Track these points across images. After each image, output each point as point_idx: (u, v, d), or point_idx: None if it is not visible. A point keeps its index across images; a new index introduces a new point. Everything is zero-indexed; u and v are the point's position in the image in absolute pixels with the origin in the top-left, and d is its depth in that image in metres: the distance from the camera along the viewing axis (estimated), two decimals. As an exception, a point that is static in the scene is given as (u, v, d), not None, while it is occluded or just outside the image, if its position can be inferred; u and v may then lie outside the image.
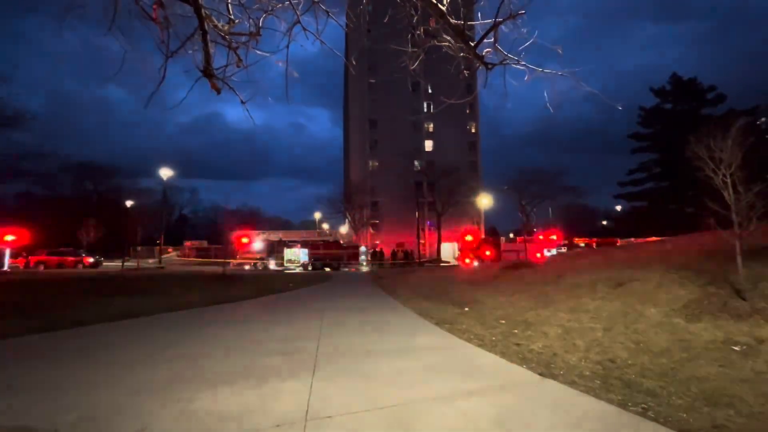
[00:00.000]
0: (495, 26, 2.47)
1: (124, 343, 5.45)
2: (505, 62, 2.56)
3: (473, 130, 57.06)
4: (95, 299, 9.89)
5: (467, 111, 55.27)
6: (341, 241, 40.38)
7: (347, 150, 64.73)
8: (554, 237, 29.35)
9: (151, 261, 41.06)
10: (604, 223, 64.79)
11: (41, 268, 29.94)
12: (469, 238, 33.73)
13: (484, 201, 42.61)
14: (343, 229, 53.25)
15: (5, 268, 27.12)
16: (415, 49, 2.93)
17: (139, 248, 47.10)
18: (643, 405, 3.10)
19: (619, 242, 35.71)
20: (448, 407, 3.11)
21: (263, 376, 3.90)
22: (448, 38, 2.69)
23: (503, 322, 6.62)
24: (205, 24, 2.26)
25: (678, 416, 2.88)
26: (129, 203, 43.05)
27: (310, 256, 33.99)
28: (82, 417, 2.93)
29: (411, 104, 55.06)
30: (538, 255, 21.82)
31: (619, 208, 57.39)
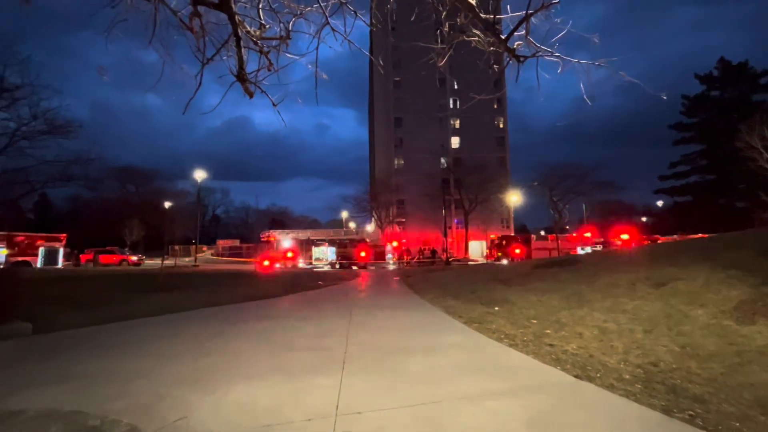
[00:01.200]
0: (527, 18, 2.40)
1: (166, 337, 5.76)
2: (537, 54, 2.47)
3: (501, 125, 55.70)
4: (139, 295, 10.51)
5: (495, 106, 54.00)
6: (367, 240, 40.66)
7: (372, 149, 65.01)
8: (588, 234, 28.14)
9: (187, 259, 43.07)
10: (644, 219, 61.41)
11: (90, 265, 32.11)
12: (498, 236, 33.00)
13: (513, 198, 41.53)
14: (370, 227, 53.59)
15: (59, 265, 29.33)
16: (443, 45, 2.89)
17: (176, 247, 49.55)
18: (689, 412, 2.91)
19: (661, 239, 33.74)
20: (478, 407, 3.07)
21: (294, 371, 4.01)
22: (478, 32, 2.64)
23: (535, 321, 6.44)
24: (239, 30, 2.34)
25: (729, 425, 2.69)
26: (167, 204, 45.29)
27: (338, 254, 34.44)
28: (129, 404, 3.12)
29: (437, 101, 54.52)
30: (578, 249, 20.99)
31: (660, 203, 54.17)
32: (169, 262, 37.53)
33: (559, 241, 30.78)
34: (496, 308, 7.89)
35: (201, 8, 2.36)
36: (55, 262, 29.43)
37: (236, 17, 2.28)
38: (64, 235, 31.94)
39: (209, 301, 9.71)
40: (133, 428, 2.64)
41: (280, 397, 3.30)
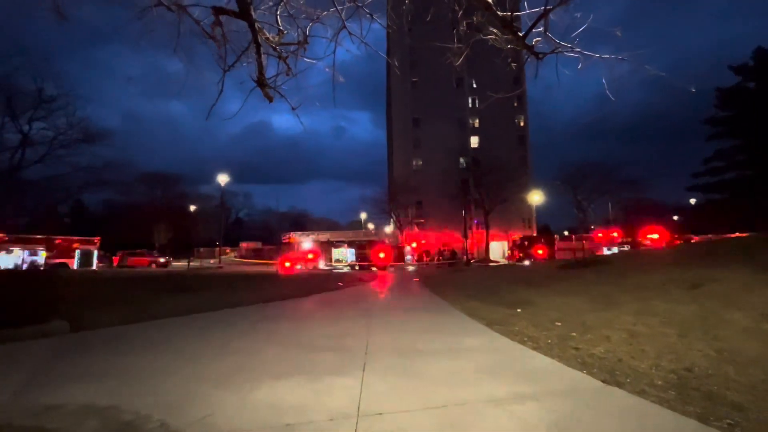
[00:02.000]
0: (545, 14, 2.35)
1: (191, 337, 5.95)
2: (557, 50, 2.41)
3: (522, 124, 54.66)
4: (167, 295, 10.90)
5: (515, 104, 53.03)
6: (386, 241, 40.69)
7: (390, 150, 65.10)
8: (615, 234, 27.14)
9: (211, 261, 44.36)
10: (675, 218, 58.69)
11: (122, 267, 33.59)
12: (519, 236, 32.31)
13: (535, 197, 40.61)
14: (388, 229, 53.63)
15: (94, 267, 30.83)
16: (460, 45, 2.87)
17: (201, 249, 51.11)
18: (728, 420, 2.76)
19: (695, 239, 32.16)
20: (502, 411, 3.01)
21: (316, 371, 4.06)
22: (495, 30, 2.60)
23: (559, 324, 6.27)
24: (258, 37, 2.41)
25: (773, 435, 2.54)
26: (192, 208, 46.84)
27: (357, 255, 34.63)
28: (158, 401, 3.25)
29: (455, 100, 54.04)
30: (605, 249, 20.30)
31: (693, 201, 51.69)
32: (194, 263, 38.81)
33: (584, 242, 29.85)
34: (519, 310, 7.73)
35: (222, 17, 2.44)
36: (90, 264, 30.98)
37: (256, 25, 2.34)
38: (98, 238, 33.59)
39: (233, 301, 9.96)
40: (164, 424, 2.74)
41: (303, 397, 3.34)
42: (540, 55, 2.47)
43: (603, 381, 3.67)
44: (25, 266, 22.38)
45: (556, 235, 38.20)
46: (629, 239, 31.48)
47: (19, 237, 29.77)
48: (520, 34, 2.51)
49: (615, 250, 27.02)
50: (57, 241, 30.22)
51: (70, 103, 27.26)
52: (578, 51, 2.38)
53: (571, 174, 43.27)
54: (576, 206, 43.93)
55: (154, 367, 4.29)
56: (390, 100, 61.79)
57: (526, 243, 33.14)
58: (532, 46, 2.49)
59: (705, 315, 5.38)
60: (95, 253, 31.88)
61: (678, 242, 28.19)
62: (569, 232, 49.44)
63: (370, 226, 58.79)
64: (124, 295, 10.74)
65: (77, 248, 31.18)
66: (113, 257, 36.01)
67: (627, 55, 2.39)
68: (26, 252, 27.69)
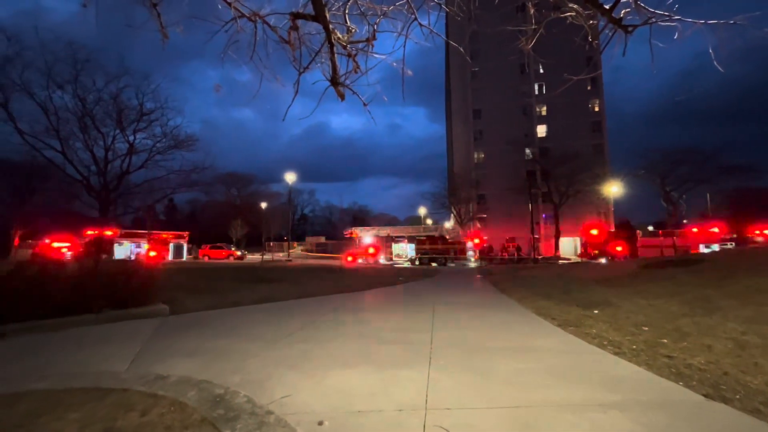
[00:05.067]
0: (637, -21, 2.09)
1: (267, 323, 6.45)
2: (650, 21, 2.12)
3: (596, 109, 49.87)
4: (244, 285, 11.96)
5: (588, 88, 48.55)
6: (447, 236, 40.05)
7: (450, 144, 63.68)
8: (716, 229, 23.58)
9: (281, 255, 47.62)
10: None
11: (206, 259, 37.63)
12: (595, 231, 29.59)
13: (613, 189, 36.87)
14: (448, 224, 52.69)
15: (184, 258, 35.02)
16: (535, 26, 2.68)
17: (271, 243, 55.11)
18: None
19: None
20: (580, 418, 2.80)
21: (381, 363, 4.15)
22: (574, 6, 2.39)
23: (646, 328, 5.63)
24: (332, 37, 2.50)
25: None
26: (263, 205, 50.70)
27: (417, 251, 34.62)
28: (243, 379, 3.58)
29: (519, 88, 51.09)
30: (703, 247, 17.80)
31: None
32: (267, 257, 42.00)
33: (675, 238, 26.42)
34: (596, 311, 7.11)
35: (298, 21, 2.58)
36: (181, 256, 35.34)
37: (330, 25, 2.44)
38: (187, 233, 38.08)
39: (302, 292, 10.59)
40: (250, 400, 3.02)
41: (371, 386, 3.44)
42: (629, 29, 2.20)
43: (704, 395, 3.23)
44: (132, 256, 26.19)
45: (638, 231, 34.26)
46: (734, 235, 27.07)
47: (128, 232, 34.93)
48: (606, 8, 2.27)
49: (715, 247, 23.46)
50: (156, 236, 34.90)
51: (164, 114, 31.18)
52: (677, 19, 2.07)
53: (658, 162, 38.36)
54: (664, 198, 38.89)
55: (236, 349, 4.73)
56: (449, 93, 60.38)
57: (602, 239, 30.26)
58: (620, 18, 2.23)
59: (843, 326, 4.45)
60: (185, 246, 36.27)
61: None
62: (654, 227, 44.13)
63: (429, 221, 58.32)
64: (209, 284, 12.01)
65: (171, 242, 35.75)
66: (199, 250, 40.52)
67: (742, 18, 2.03)
68: (133, 245, 32.32)
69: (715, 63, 2.08)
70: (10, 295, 5.77)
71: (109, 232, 28.73)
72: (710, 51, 2.05)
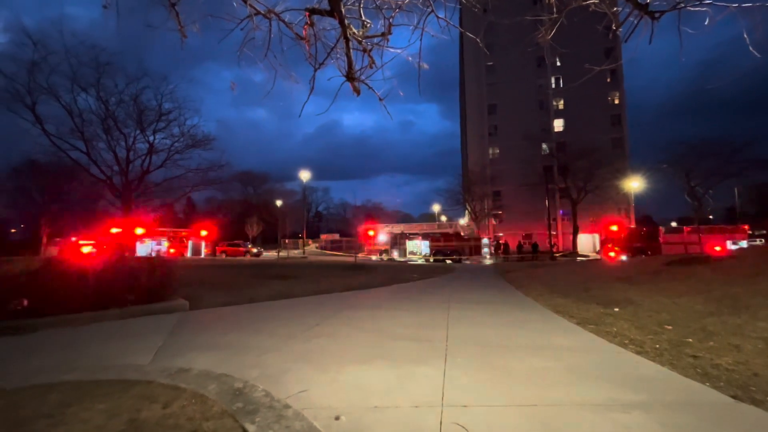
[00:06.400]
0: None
1: (283, 319, 6.53)
2: (678, 6, 2.02)
3: (616, 101, 48.50)
4: (260, 281, 12.16)
5: (608, 80, 47.22)
6: (462, 233, 39.72)
7: (464, 140, 62.98)
8: (745, 226, 22.65)
9: (296, 252, 48.18)
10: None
11: (223, 256, 38.41)
12: (614, 227, 28.81)
13: (634, 184, 35.81)
14: (463, 221, 52.23)
15: (202, 255, 35.81)
16: (555, 15, 2.60)
17: (286, 241, 55.86)
18: None
19: None
20: (602, 418, 2.74)
21: (397, 359, 4.14)
22: (597, -7, 2.30)
23: (669, 327, 5.46)
24: (347, 32, 2.49)
25: None
26: (279, 203, 51.39)
27: (431, 248, 34.45)
28: (261, 373, 3.64)
29: (535, 82, 50.15)
30: (717, 248, 17.17)
31: None
32: (282, 254, 42.57)
33: (700, 234, 25.51)
34: (616, 309, 6.94)
35: (314, 17, 2.58)
36: (199, 253, 36.13)
37: (345, 20, 2.43)
38: (205, 230, 38.89)
39: (317, 289, 10.69)
40: (268, 394, 3.07)
41: (387, 382, 3.45)
42: (656, 14, 2.10)
43: (733, 397, 3.11)
44: (153, 254, 26.94)
45: (660, 227, 33.20)
46: (765, 231, 25.93)
47: (148, 230, 35.77)
48: (632, -6, 2.18)
49: (743, 244, 22.53)
50: (175, 234, 35.82)
51: (181, 114, 31.90)
52: (708, 3, 1.96)
53: (681, 155, 36.92)
54: (688, 193, 37.48)
55: (254, 343, 4.81)
56: (463, 88, 59.65)
57: (623, 235, 29.45)
58: (647, 4, 2.14)
59: None
60: (203, 243, 37.08)
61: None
62: (678, 223, 42.68)
63: (443, 218, 57.93)
64: (226, 281, 12.26)
65: (189, 239, 36.60)
66: (216, 247, 41.39)
67: (778, 0, 1.91)
68: (153, 242, 33.24)
69: (750, 48, 1.97)
70: (41, 291, 6.02)
71: (140, 230, 29.51)
72: (745, 36, 1.93)
